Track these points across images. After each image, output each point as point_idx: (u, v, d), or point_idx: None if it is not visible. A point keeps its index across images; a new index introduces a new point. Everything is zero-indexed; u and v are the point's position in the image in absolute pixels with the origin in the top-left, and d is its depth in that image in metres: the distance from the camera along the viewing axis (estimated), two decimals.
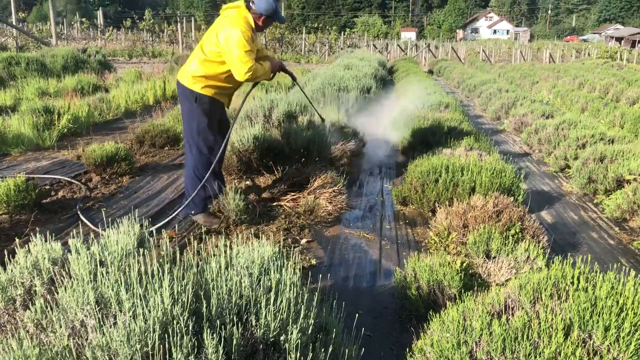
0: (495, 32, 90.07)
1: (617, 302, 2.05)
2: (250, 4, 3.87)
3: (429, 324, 2.41)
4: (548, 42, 58.69)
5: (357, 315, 2.45)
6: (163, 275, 1.89)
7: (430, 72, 25.49)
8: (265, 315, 1.97)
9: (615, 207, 4.89)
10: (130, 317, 1.79)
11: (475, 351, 2.06)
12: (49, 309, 1.86)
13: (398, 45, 38.59)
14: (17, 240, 2.38)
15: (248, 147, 5.30)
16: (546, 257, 3.23)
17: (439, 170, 4.82)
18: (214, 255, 2.29)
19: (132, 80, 12.20)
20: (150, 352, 1.73)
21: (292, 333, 1.95)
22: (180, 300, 1.89)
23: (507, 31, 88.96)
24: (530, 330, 2.02)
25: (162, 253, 2.18)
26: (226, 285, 2.04)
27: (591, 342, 1.97)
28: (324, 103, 8.11)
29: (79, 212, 4.35)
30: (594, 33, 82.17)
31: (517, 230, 3.65)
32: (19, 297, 2.02)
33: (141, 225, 2.69)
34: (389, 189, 5.58)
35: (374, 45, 35.68)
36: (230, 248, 2.39)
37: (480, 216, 3.82)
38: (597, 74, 19.45)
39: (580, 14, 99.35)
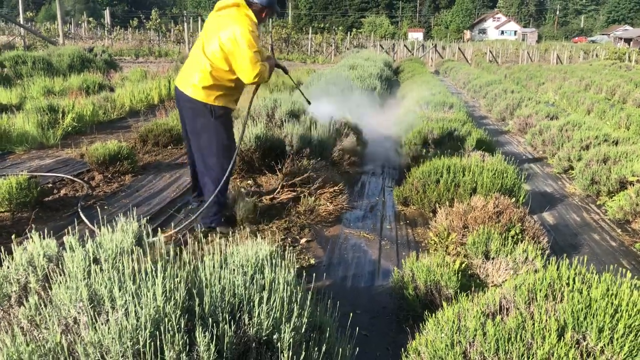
0: (502, 33, 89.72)
1: (612, 303, 2.04)
2: None
3: (425, 324, 2.41)
4: (556, 43, 58.44)
5: (353, 315, 2.45)
6: (156, 273, 1.90)
7: (437, 72, 25.47)
8: (259, 314, 1.97)
9: (617, 209, 4.86)
10: (123, 314, 1.79)
11: (469, 352, 2.06)
12: (42, 305, 1.87)
13: (405, 45, 38.56)
14: (13, 237, 2.40)
15: (250, 147, 5.32)
16: (544, 258, 3.21)
17: (440, 170, 4.81)
18: (212, 253, 2.30)
19: (137, 79, 12.24)
20: (141, 350, 1.73)
21: (285, 332, 1.96)
22: (173, 298, 1.89)
23: (515, 32, 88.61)
24: (524, 331, 2.01)
25: (162, 252, 2.19)
26: (220, 284, 2.05)
27: (585, 343, 1.96)
28: (328, 103, 8.10)
29: (79, 211, 4.37)
30: (603, 34, 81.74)
31: (517, 232, 3.64)
32: (14, 294, 2.03)
33: (141, 225, 2.69)
34: (391, 189, 5.58)
35: (380, 45, 35.66)
36: (226, 246, 2.39)
37: (480, 217, 3.81)
38: (604, 76, 19.36)
39: (588, 15, 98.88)
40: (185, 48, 27.16)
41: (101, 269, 1.98)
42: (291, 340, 1.96)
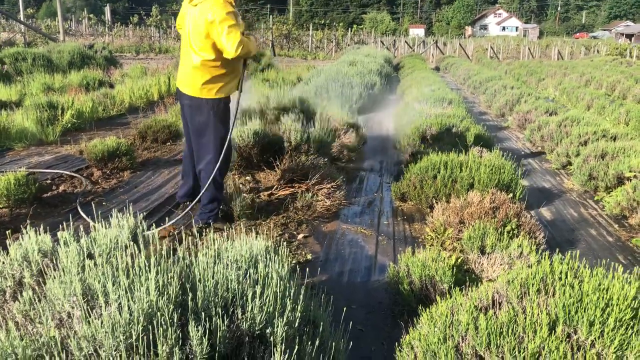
0: (504, 28, 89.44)
1: (603, 297, 2.05)
2: None
3: (419, 318, 2.42)
4: (557, 39, 58.22)
5: (349, 310, 2.46)
6: (149, 268, 1.91)
7: (437, 68, 25.42)
8: (252, 308, 1.99)
9: (614, 204, 4.87)
10: (116, 308, 1.81)
11: (461, 346, 2.07)
12: (37, 300, 1.88)
13: (406, 41, 38.48)
14: (8, 233, 2.41)
15: (248, 143, 5.33)
16: (539, 253, 3.22)
17: (438, 166, 4.82)
18: (206, 247, 2.31)
19: (137, 76, 12.25)
20: (134, 344, 1.75)
21: (278, 326, 1.97)
22: (166, 293, 1.91)
23: (516, 28, 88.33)
24: (515, 325, 2.02)
25: (159, 247, 2.20)
26: (213, 278, 2.06)
27: (576, 337, 1.97)
28: (327, 99, 8.11)
29: (78, 207, 4.38)
30: (604, 30, 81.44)
31: (513, 227, 3.65)
32: (9, 289, 2.04)
33: (136, 220, 2.70)
34: (389, 185, 5.58)
35: (381, 41, 35.60)
36: (221, 241, 2.40)
37: (476, 212, 3.81)
38: (604, 71, 19.30)
39: (590, 11, 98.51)
40: None
41: (95, 264, 2.00)
42: (284, 334, 1.98)
